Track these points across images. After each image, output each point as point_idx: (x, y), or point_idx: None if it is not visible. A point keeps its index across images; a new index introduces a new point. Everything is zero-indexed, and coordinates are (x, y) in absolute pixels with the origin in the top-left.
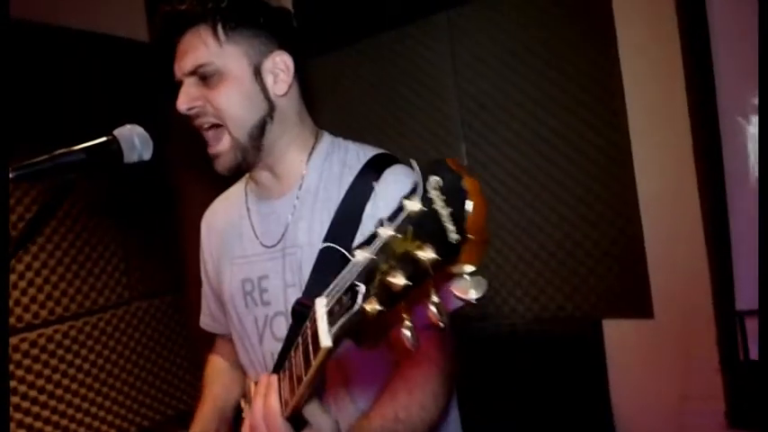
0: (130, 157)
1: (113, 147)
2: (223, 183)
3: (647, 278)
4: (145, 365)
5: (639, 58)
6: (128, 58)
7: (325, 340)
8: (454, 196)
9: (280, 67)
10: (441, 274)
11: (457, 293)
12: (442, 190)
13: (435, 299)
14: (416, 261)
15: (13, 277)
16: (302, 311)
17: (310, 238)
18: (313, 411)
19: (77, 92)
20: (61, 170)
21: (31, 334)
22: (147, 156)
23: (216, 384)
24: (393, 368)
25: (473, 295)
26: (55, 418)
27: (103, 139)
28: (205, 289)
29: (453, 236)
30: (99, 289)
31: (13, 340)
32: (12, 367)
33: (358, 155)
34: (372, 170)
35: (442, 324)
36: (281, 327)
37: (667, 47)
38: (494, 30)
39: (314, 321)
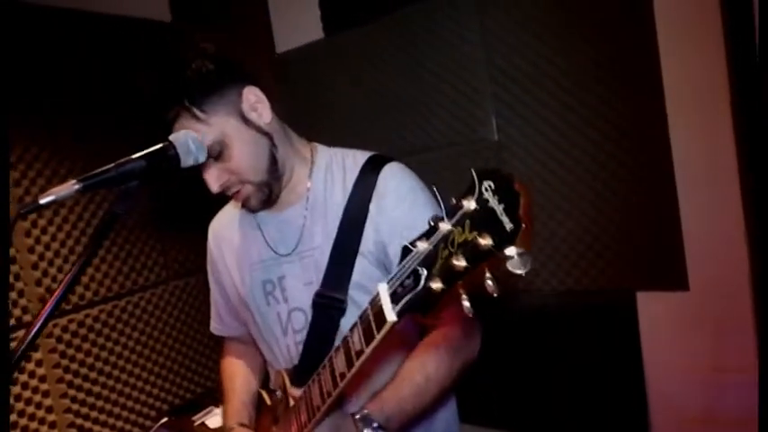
0: (187, 161)
1: (171, 152)
2: None
3: (683, 250)
4: (185, 341)
5: (677, 29)
6: (151, 39)
7: (390, 316)
8: (507, 195)
9: (255, 101)
10: (494, 258)
11: (511, 269)
12: (496, 191)
13: (490, 276)
14: (475, 247)
15: (58, 261)
16: (322, 303)
17: (324, 240)
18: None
19: (102, 76)
20: (124, 178)
21: (78, 315)
22: (201, 158)
23: (236, 381)
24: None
25: (523, 270)
26: (105, 392)
27: (160, 145)
28: (214, 297)
29: (509, 226)
30: (138, 270)
31: (62, 321)
32: (62, 347)
33: (355, 159)
34: (370, 170)
35: (496, 294)
36: (299, 320)
37: (708, 17)
38: (524, 1)
39: (376, 303)
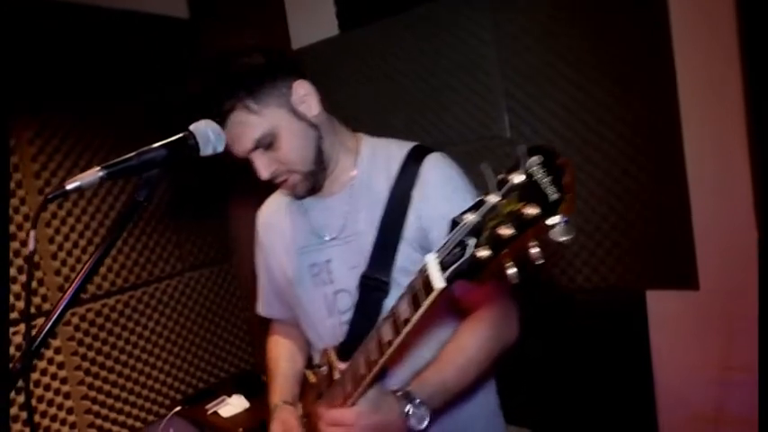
0: (206, 150)
1: (191, 142)
2: None
3: (694, 249)
4: (198, 331)
5: (692, 26)
6: (169, 36)
7: (439, 283)
8: (552, 168)
9: (304, 94)
10: (538, 225)
11: (555, 238)
12: (542, 164)
13: (535, 244)
14: (522, 216)
15: (77, 252)
16: (367, 284)
17: (368, 226)
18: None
19: (121, 72)
20: (146, 166)
21: (96, 304)
22: (220, 148)
23: (282, 360)
24: (458, 320)
25: (566, 237)
26: (121, 380)
27: (181, 135)
28: (262, 281)
29: (554, 195)
30: (154, 261)
31: (80, 310)
32: (80, 335)
33: (399, 149)
34: (414, 159)
35: (542, 260)
36: (345, 301)
37: (722, 14)
38: None
39: (424, 272)
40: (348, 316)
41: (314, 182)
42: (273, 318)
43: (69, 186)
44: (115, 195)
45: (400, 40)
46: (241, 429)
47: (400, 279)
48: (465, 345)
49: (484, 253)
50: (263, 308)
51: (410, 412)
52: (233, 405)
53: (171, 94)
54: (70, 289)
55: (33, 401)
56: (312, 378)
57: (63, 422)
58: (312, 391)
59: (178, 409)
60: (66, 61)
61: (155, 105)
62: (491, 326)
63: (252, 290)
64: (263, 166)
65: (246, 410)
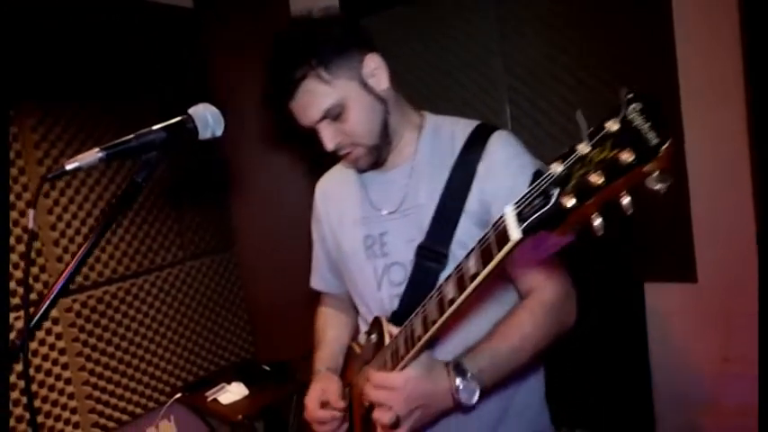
0: (204, 134)
1: (189, 125)
2: (271, 154)
3: (692, 242)
4: (199, 320)
5: (694, 22)
6: (175, 25)
7: (516, 234)
8: (654, 113)
9: (375, 68)
10: (634, 172)
11: (650, 186)
12: (642, 111)
13: (626, 194)
14: (616, 162)
15: (78, 239)
16: (424, 255)
17: (429, 199)
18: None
19: (124, 61)
20: (145, 148)
21: (97, 291)
22: (219, 132)
23: (330, 330)
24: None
25: (663, 185)
26: (122, 367)
27: (180, 118)
28: (318, 254)
29: (654, 141)
30: (156, 250)
31: (81, 297)
32: (81, 321)
33: (464, 125)
34: (479, 135)
35: (630, 212)
36: (398, 274)
37: (725, 12)
38: None
39: (499, 225)
40: (401, 289)
41: (377, 156)
42: (326, 292)
43: (69, 167)
44: (118, 184)
45: (403, 31)
46: (240, 416)
47: (457, 252)
48: (521, 322)
49: (568, 201)
50: (318, 282)
51: (460, 386)
52: (232, 392)
53: (174, 83)
54: (72, 263)
55: (35, 386)
56: (357, 349)
57: (64, 407)
58: (357, 362)
59: (178, 396)
60: (70, 49)
61: (157, 94)
62: (551, 306)
63: (252, 280)
64: (329, 138)
65: (246, 398)
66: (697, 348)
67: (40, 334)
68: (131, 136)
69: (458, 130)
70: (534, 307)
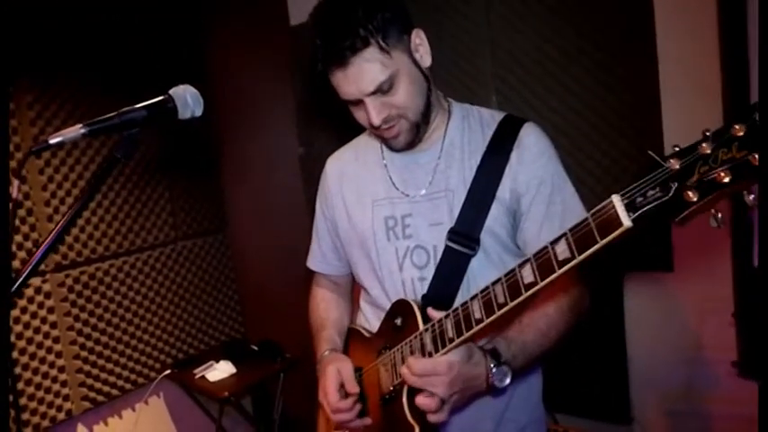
0: (184, 113)
1: (169, 105)
2: (265, 137)
3: (669, 233)
4: (190, 299)
5: (675, 15)
6: (174, 17)
7: (626, 221)
8: None
9: (419, 43)
10: (757, 176)
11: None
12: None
13: (751, 194)
14: (747, 164)
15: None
16: (455, 241)
17: (459, 183)
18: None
19: (121, 40)
20: (126, 125)
21: (90, 267)
22: (198, 112)
23: (332, 311)
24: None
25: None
26: (112, 343)
27: (161, 98)
28: (321, 233)
29: None
30: (148, 229)
31: (74, 272)
32: (73, 296)
33: (492, 114)
34: (511, 125)
35: (754, 207)
36: (421, 257)
37: (704, 6)
38: None
39: (603, 212)
40: (425, 272)
41: (416, 134)
42: (324, 273)
43: (53, 140)
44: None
45: None
46: (227, 393)
47: (486, 239)
48: (547, 310)
49: (691, 195)
50: (317, 263)
51: (495, 371)
52: (220, 370)
53: (171, 63)
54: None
55: (25, 358)
56: (365, 333)
57: (54, 380)
58: (367, 346)
59: (167, 372)
60: (68, 27)
61: (153, 74)
62: (571, 297)
63: (243, 261)
64: (377, 111)
65: (233, 376)
66: (672, 335)
67: (32, 307)
68: (113, 114)
69: (486, 117)
70: (557, 296)
